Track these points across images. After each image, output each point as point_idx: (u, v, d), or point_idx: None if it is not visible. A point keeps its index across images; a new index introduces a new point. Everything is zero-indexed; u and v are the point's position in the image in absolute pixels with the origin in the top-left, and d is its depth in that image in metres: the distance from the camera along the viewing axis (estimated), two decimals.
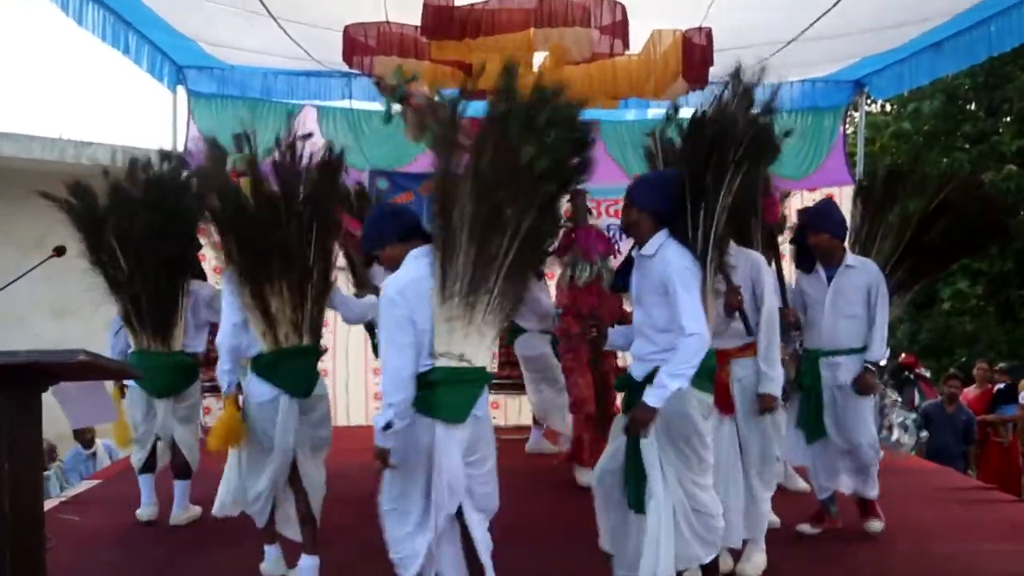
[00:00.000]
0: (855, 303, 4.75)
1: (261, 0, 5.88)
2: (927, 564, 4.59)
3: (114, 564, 4.61)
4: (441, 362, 3.37)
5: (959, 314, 15.54)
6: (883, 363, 5.56)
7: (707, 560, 3.61)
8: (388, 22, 5.71)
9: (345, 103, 8.21)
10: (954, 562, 4.61)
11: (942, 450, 8.44)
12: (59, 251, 4.68)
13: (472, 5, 5.23)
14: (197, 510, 5.21)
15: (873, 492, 4.90)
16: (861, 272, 4.78)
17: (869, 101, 9.99)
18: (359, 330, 8.46)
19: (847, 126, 9.38)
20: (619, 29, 5.33)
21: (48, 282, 8.41)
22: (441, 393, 3.36)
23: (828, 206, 5.08)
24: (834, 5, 5.87)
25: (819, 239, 4.77)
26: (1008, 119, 15.75)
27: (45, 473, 8.09)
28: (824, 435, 4.83)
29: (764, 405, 4.18)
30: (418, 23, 5.33)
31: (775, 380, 4.17)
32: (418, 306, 3.38)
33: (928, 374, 12.68)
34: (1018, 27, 5.89)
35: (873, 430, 4.90)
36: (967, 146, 15.78)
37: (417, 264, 3.46)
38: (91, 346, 2.70)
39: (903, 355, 13.22)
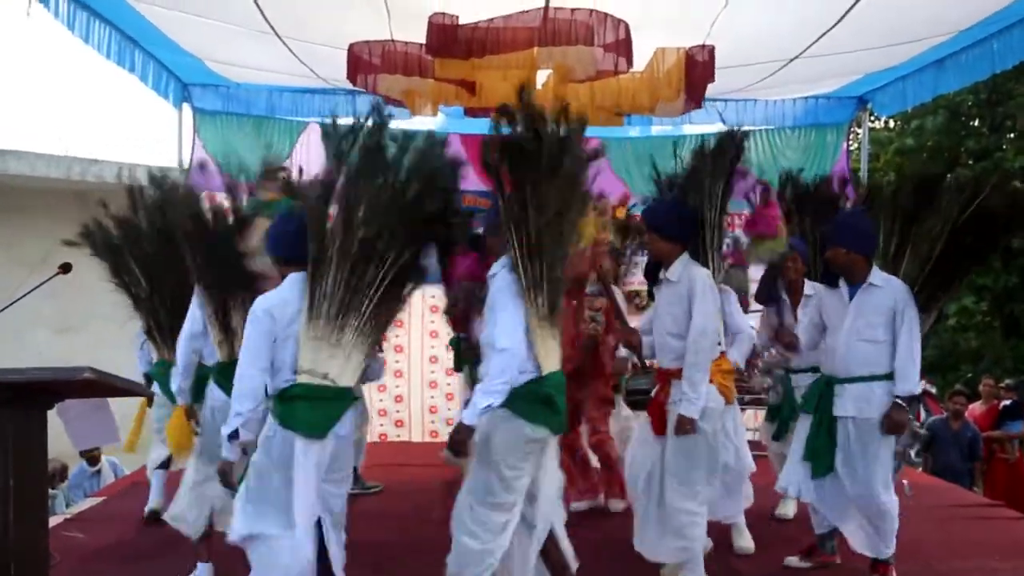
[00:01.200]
0: (876, 326, 4.26)
1: (267, 19, 5.90)
2: None
3: None
4: (303, 379, 3.48)
5: (964, 330, 15.50)
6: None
7: None
8: (393, 40, 5.74)
9: (350, 121, 8.23)
10: None
11: (947, 467, 8.40)
12: (65, 268, 4.69)
13: (476, 24, 5.25)
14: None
15: (887, 550, 4.35)
16: (886, 292, 4.26)
17: (872, 117, 10.00)
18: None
19: (850, 142, 9.40)
20: (622, 47, 5.34)
21: (52, 298, 8.44)
22: (300, 408, 3.46)
23: (849, 217, 4.64)
24: (837, 23, 5.90)
25: (835, 253, 4.35)
26: (1011, 135, 15.77)
27: (53, 492, 8.11)
28: (833, 470, 4.34)
29: (679, 427, 4.06)
30: (423, 41, 5.36)
31: (693, 402, 4.02)
32: (283, 325, 3.52)
33: (934, 390, 12.65)
34: (1020, 45, 5.91)
35: (890, 475, 4.35)
36: (971, 162, 15.79)
37: (292, 287, 3.59)
38: (94, 362, 2.70)
39: None
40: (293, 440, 3.42)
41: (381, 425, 8.66)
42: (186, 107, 8.02)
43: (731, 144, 4.58)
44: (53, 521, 5.29)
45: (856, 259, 4.32)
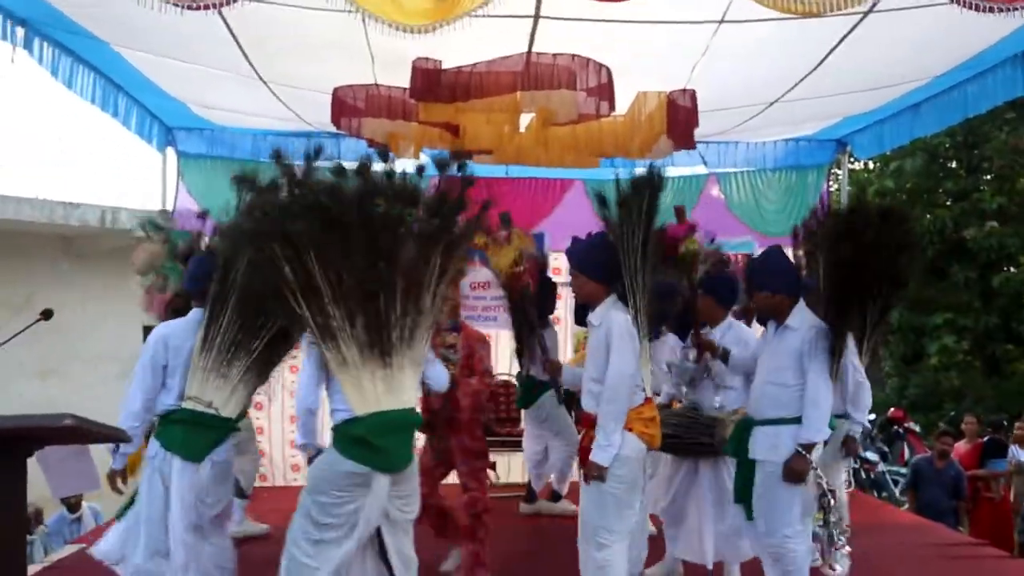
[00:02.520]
0: (785, 369, 4.15)
1: (251, 64, 5.94)
2: None
3: None
4: (188, 404, 3.96)
5: (946, 369, 15.60)
6: (860, 430, 5.26)
7: None
8: (377, 84, 5.78)
9: (334, 163, 8.26)
10: None
11: (931, 505, 8.40)
12: (46, 315, 4.67)
13: (460, 68, 5.31)
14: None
15: None
16: (797, 334, 4.16)
17: (852, 159, 10.13)
18: None
19: (831, 183, 9.51)
20: (605, 91, 5.40)
21: (34, 343, 8.38)
22: (179, 431, 3.95)
23: (768, 259, 4.43)
24: (814, 69, 5.98)
25: (759, 298, 4.31)
26: (988, 177, 16.01)
27: (30, 538, 7.99)
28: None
29: (588, 473, 4.01)
30: (406, 85, 5.40)
31: (604, 449, 3.92)
32: (174, 354, 4.04)
33: (917, 428, 12.70)
34: (993, 90, 6.02)
35: (798, 525, 4.12)
36: (949, 203, 16.00)
37: (192, 319, 4.11)
38: (75, 406, 2.68)
39: (892, 409, 13.26)
40: (171, 460, 3.91)
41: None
42: (170, 150, 8.03)
43: (648, 184, 4.24)
44: (31, 569, 5.20)
45: (779, 300, 4.23)
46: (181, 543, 3.90)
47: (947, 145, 16.14)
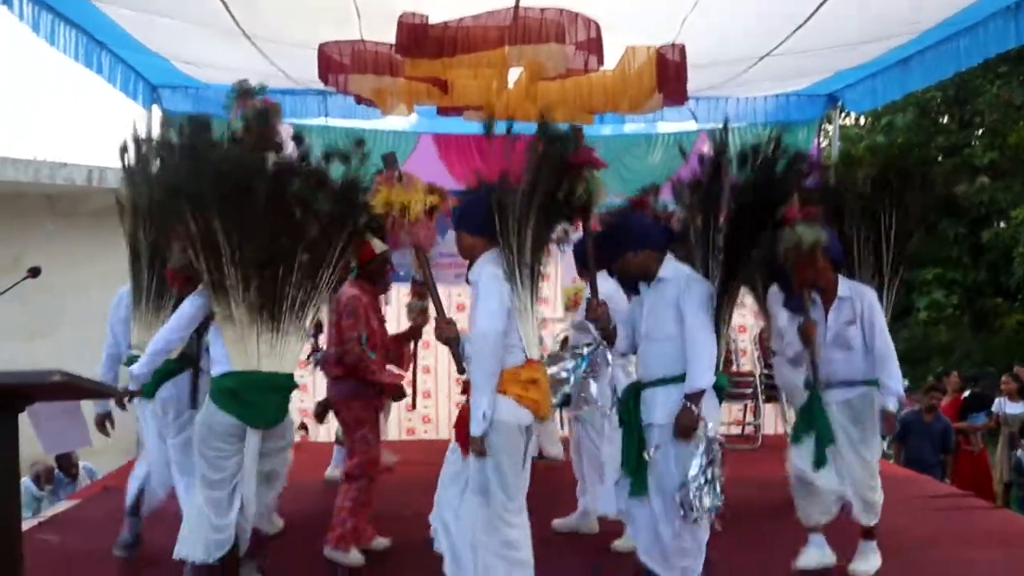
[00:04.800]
0: (666, 320, 3.91)
1: (235, 19, 5.87)
2: (905, 571, 4.62)
3: None
4: (134, 352, 4.52)
5: (935, 324, 15.70)
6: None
7: None
8: (363, 40, 5.72)
9: (321, 120, 8.22)
10: (933, 569, 4.65)
11: (919, 459, 8.50)
12: (34, 272, 4.64)
13: (446, 23, 5.25)
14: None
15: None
16: (672, 283, 3.94)
17: (843, 114, 10.10)
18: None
19: (821, 139, 9.48)
20: (593, 45, 5.35)
21: (21, 304, 8.36)
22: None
23: (624, 220, 4.30)
24: (805, 22, 5.94)
25: (625, 262, 4.09)
26: (980, 132, 15.98)
27: (38, 494, 8.09)
28: (646, 490, 3.92)
29: (466, 446, 3.70)
30: (393, 41, 5.35)
31: (474, 417, 3.60)
32: (114, 314, 4.80)
33: (906, 383, 12.79)
34: (984, 42, 5.98)
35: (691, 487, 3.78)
36: (940, 158, 15.98)
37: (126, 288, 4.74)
38: (66, 367, 2.67)
39: None
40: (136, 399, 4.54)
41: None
42: (155, 108, 7.95)
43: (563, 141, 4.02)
44: (25, 524, 5.24)
45: (647, 256, 4.02)
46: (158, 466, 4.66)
47: (939, 100, 16.11)
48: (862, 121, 17.44)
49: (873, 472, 4.55)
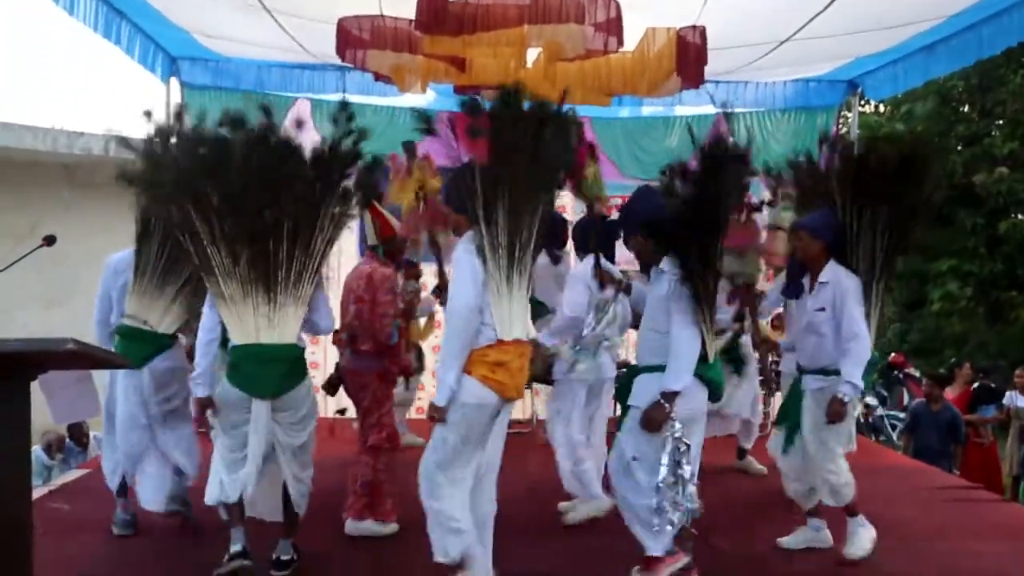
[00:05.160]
0: (658, 312, 4.04)
1: None
2: (912, 562, 4.62)
3: (103, 553, 4.61)
4: (127, 320, 4.63)
5: (948, 315, 15.60)
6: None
7: None
8: (382, 16, 5.69)
9: (339, 96, 8.20)
10: (940, 560, 4.64)
11: (927, 448, 8.46)
12: (49, 240, 4.65)
13: (467, 0, 5.22)
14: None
15: (653, 545, 3.97)
16: (665, 276, 4.04)
17: (863, 102, 10.01)
18: None
19: (840, 126, 9.41)
20: (613, 26, 5.31)
21: (37, 273, 8.41)
22: (120, 343, 4.62)
23: (638, 197, 4.43)
24: (828, 6, 5.88)
25: (633, 242, 4.30)
26: (1000, 122, 15.82)
27: (49, 463, 8.17)
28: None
29: (429, 413, 3.80)
30: (412, 17, 5.32)
31: (440, 389, 3.73)
32: (114, 281, 4.77)
33: (917, 374, 12.76)
34: (1008, 30, 5.92)
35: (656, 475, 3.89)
36: (960, 148, 15.84)
37: (124, 255, 4.76)
38: (78, 336, 2.69)
39: (892, 354, 13.32)
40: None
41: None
42: (174, 81, 7.96)
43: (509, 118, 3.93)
44: (36, 492, 5.29)
45: (645, 244, 4.20)
46: (123, 435, 4.69)
47: (960, 88, 15.92)
48: (881, 109, 17.29)
49: (833, 456, 4.51)
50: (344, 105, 4.26)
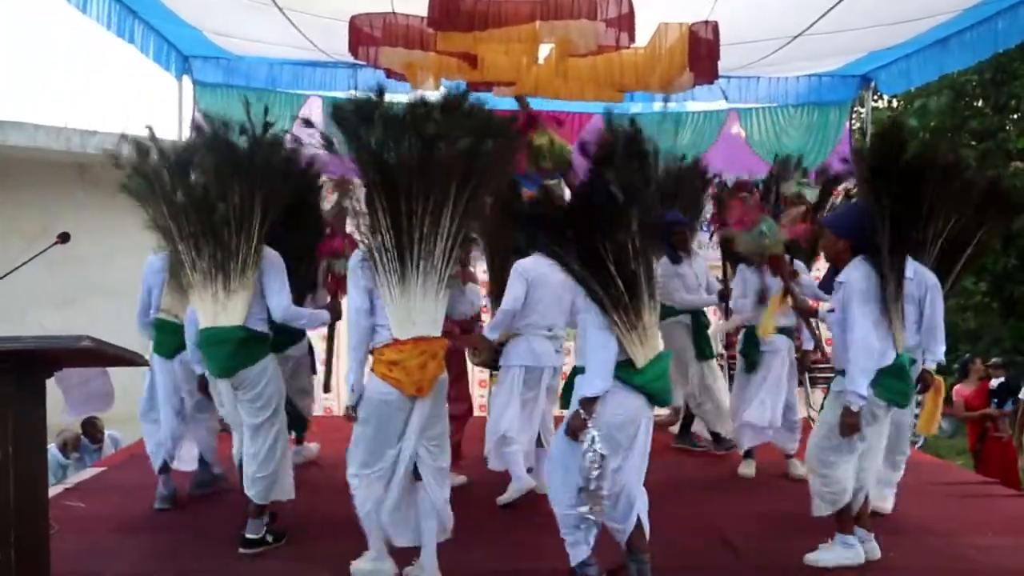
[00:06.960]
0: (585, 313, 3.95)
1: None
2: (928, 557, 4.60)
3: (118, 550, 4.62)
4: (161, 315, 5.07)
5: (963, 310, 15.51)
6: None
7: None
8: (394, 13, 5.70)
9: (350, 94, 8.20)
10: (956, 556, 4.62)
11: None
12: (64, 238, 4.66)
13: None
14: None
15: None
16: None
17: (876, 97, 9.96)
18: None
19: (853, 121, 9.36)
20: (625, 22, 5.31)
21: (51, 272, 8.44)
22: (155, 335, 5.15)
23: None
24: (840, 0, 5.85)
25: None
26: (1015, 116, 15.71)
27: (64, 461, 8.22)
28: None
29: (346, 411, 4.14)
30: (424, 14, 5.33)
31: (349, 388, 4.00)
32: (155, 278, 5.06)
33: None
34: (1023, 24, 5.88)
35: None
36: (974, 143, 15.74)
37: (157, 256, 4.99)
38: (94, 335, 2.70)
39: None
40: (155, 357, 5.14)
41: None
42: (186, 79, 7.98)
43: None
44: (52, 490, 5.32)
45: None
46: (165, 418, 5.14)
47: (974, 83, 15.82)
48: (894, 104, 17.20)
49: (828, 463, 4.26)
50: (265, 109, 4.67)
